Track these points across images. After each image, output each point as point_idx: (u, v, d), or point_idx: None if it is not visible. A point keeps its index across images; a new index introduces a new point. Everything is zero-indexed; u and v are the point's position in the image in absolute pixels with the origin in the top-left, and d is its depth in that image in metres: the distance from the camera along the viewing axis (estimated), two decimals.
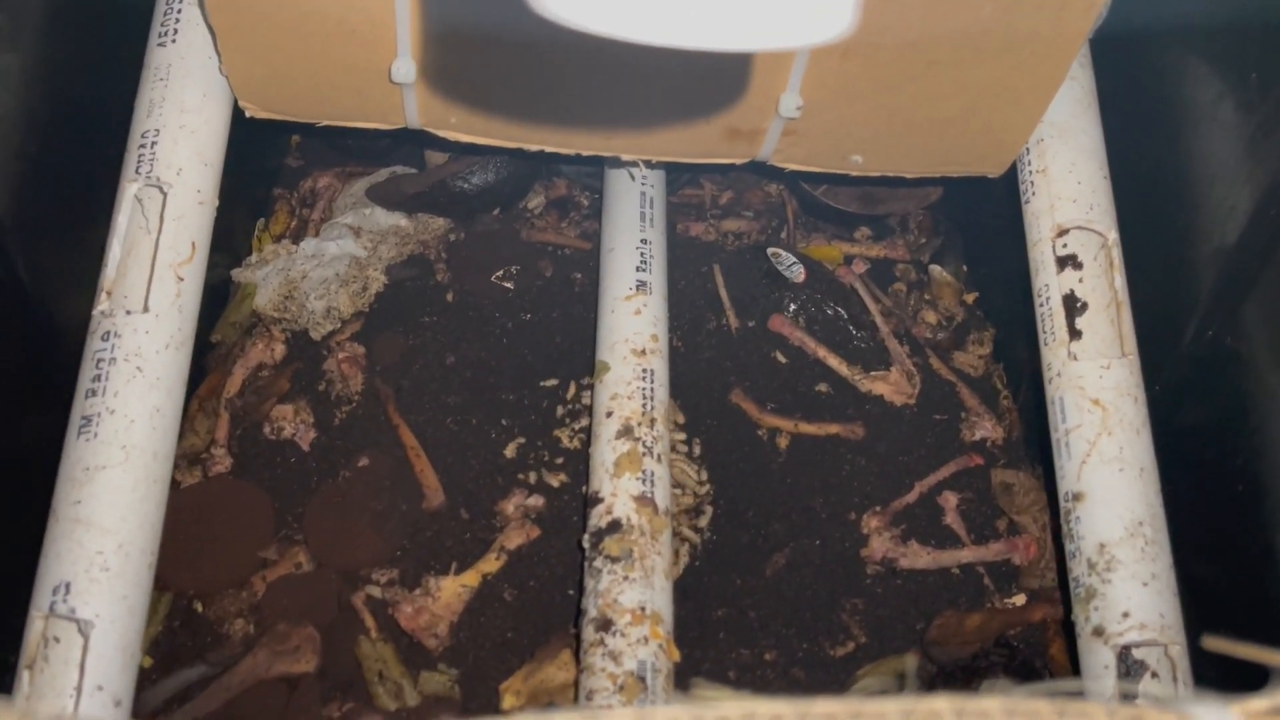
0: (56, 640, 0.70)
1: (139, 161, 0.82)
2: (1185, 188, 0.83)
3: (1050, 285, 0.85)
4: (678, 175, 1.17)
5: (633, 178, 1.01)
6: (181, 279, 0.80)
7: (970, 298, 1.13)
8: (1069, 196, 0.86)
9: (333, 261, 1.06)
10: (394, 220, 1.11)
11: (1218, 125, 0.80)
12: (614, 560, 0.82)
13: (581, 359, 1.03)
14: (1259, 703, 0.32)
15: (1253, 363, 0.78)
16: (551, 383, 1.03)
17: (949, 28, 0.79)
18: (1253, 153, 0.75)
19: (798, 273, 1.09)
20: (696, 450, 1.00)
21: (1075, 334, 0.84)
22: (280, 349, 1.03)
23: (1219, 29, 0.81)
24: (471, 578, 0.91)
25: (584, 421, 0.99)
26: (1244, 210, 0.76)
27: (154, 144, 0.82)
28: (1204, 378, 0.82)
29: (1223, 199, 0.78)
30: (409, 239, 1.09)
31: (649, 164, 0.97)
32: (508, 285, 1.06)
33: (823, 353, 1.05)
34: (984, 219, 1.14)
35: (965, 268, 1.16)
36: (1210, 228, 0.80)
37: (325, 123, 0.88)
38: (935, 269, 1.14)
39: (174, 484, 0.93)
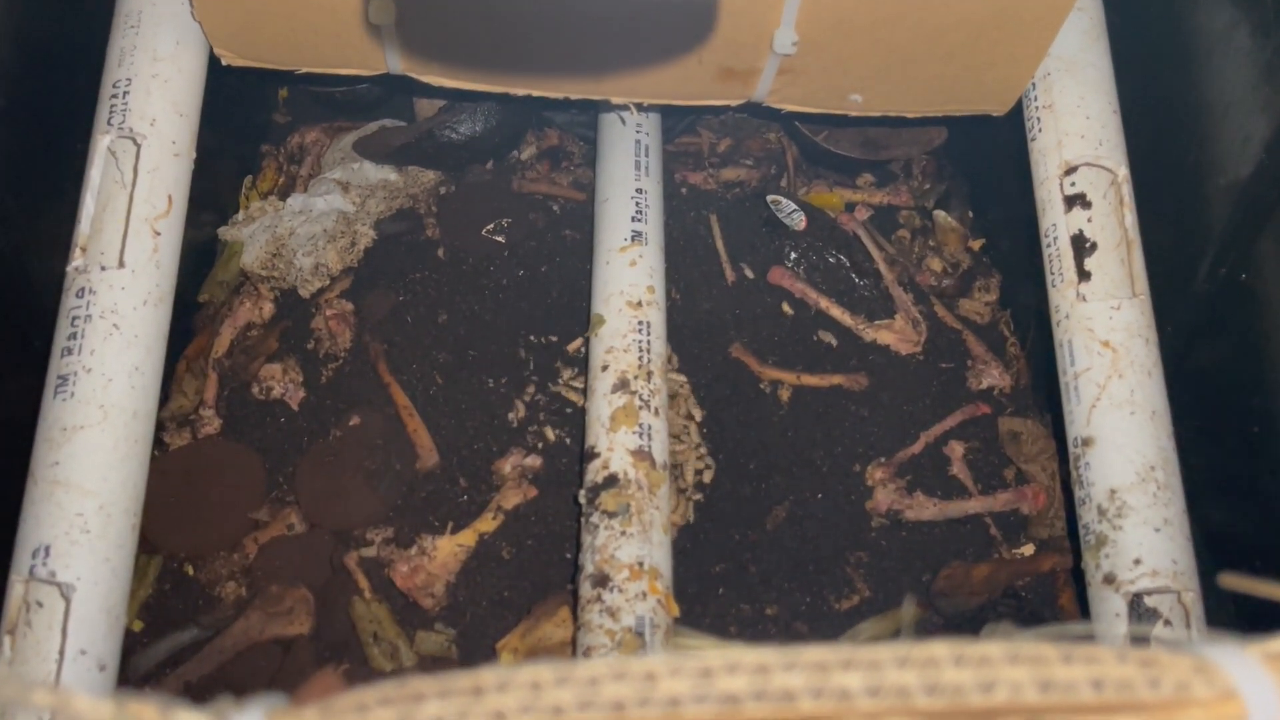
0: (38, 605, 0.69)
1: (111, 112, 0.79)
2: (1198, 120, 0.80)
3: (1058, 225, 0.82)
4: (674, 123, 1.14)
5: (624, 123, 0.98)
6: (158, 233, 0.78)
7: (976, 244, 1.09)
8: (1077, 132, 0.83)
9: (320, 217, 1.03)
10: (383, 174, 1.08)
11: (1232, 53, 0.76)
12: (611, 515, 0.80)
13: (577, 313, 1.00)
14: (1277, 644, 0.30)
15: (1268, 300, 0.75)
16: (547, 338, 1.00)
17: None
18: (1269, 79, 0.71)
19: (798, 220, 1.06)
20: (695, 404, 0.98)
21: (1084, 275, 0.81)
22: (268, 307, 1.00)
23: None
24: (468, 537, 0.89)
25: (581, 377, 0.97)
26: (1260, 140, 0.72)
27: (126, 94, 0.79)
28: (1218, 317, 0.79)
29: (1237, 130, 0.75)
30: (398, 193, 1.07)
31: (640, 107, 0.94)
32: (499, 239, 1.04)
33: (825, 304, 1.03)
34: (990, 163, 1.10)
35: (971, 213, 1.12)
36: (1224, 161, 0.77)
37: (305, 70, 0.85)
38: (940, 215, 1.10)
39: (163, 446, 0.92)
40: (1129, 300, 0.79)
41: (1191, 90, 0.81)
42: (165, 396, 0.92)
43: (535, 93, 0.87)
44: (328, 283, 1.00)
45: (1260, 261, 0.75)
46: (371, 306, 0.99)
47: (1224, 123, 0.77)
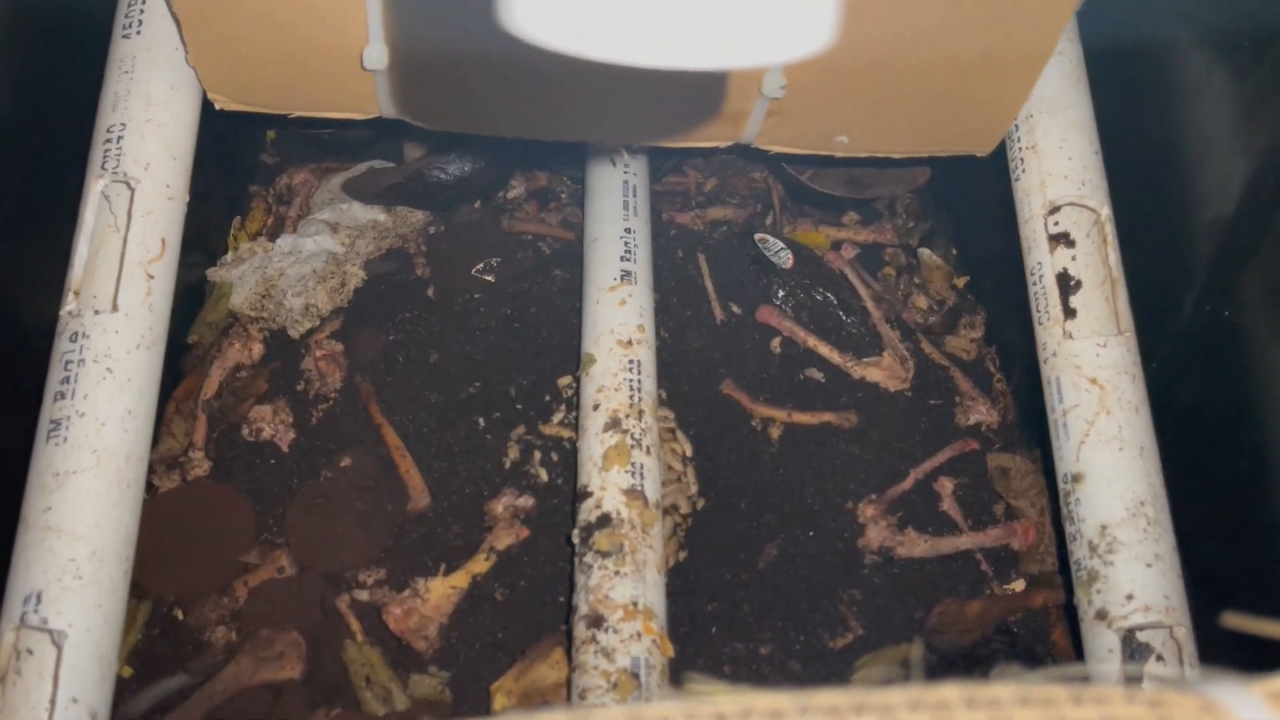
0: (29, 652, 0.68)
1: (105, 157, 0.79)
2: (1179, 159, 0.82)
3: (1043, 264, 0.84)
4: (661, 163, 1.15)
5: (613, 164, 0.99)
6: (152, 277, 0.78)
7: (961, 281, 1.11)
8: (1060, 172, 0.85)
9: (310, 258, 1.04)
10: (372, 214, 1.08)
11: (1211, 94, 0.78)
12: (604, 555, 0.80)
13: (567, 352, 1.01)
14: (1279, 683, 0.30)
15: (1253, 336, 0.76)
16: (538, 377, 1.00)
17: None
18: (1248, 120, 0.73)
19: (785, 258, 1.07)
20: (686, 442, 0.98)
21: (1070, 312, 0.82)
22: (258, 349, 1.00)
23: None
24: (461, 578, 0.89)
25: (572, 416, 0.97)
26: (1240, 179, 0.74)
27: (120, 138, 0.79)
28: (1203, 353, 0.81)
29: (1218, 169, 0.77)
30: (387, 233, 1.07)
31: (630, 149, 0.95)
32: (489, 278, 1.04)
33: (813, 341, 1.03)
34: (973, 201, 1.12)
35: (955, 251, 1.14)
36: (1205, 199, 0.78)
37: (298, 113, 0.86)
38: (924, 253, 1.12)
39: (152, 488, 0.91)
40: (1115, 337, 0.80)
41: (1172, 131, 0.82)
42: (155, 439, 0.91)
43: (526, 135, 0.88)
44: (318, 323, 1.00)
45: (1243, 299, 0.76)
46: (362, 347, 0.99)
47: (1205, 163, 0.78)
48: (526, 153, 1.12)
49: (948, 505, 0.95)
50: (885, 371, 1.02)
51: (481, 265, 1.05)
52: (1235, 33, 0.75)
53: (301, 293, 1.00)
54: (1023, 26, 0.79)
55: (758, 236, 1.09)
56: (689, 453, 0.97)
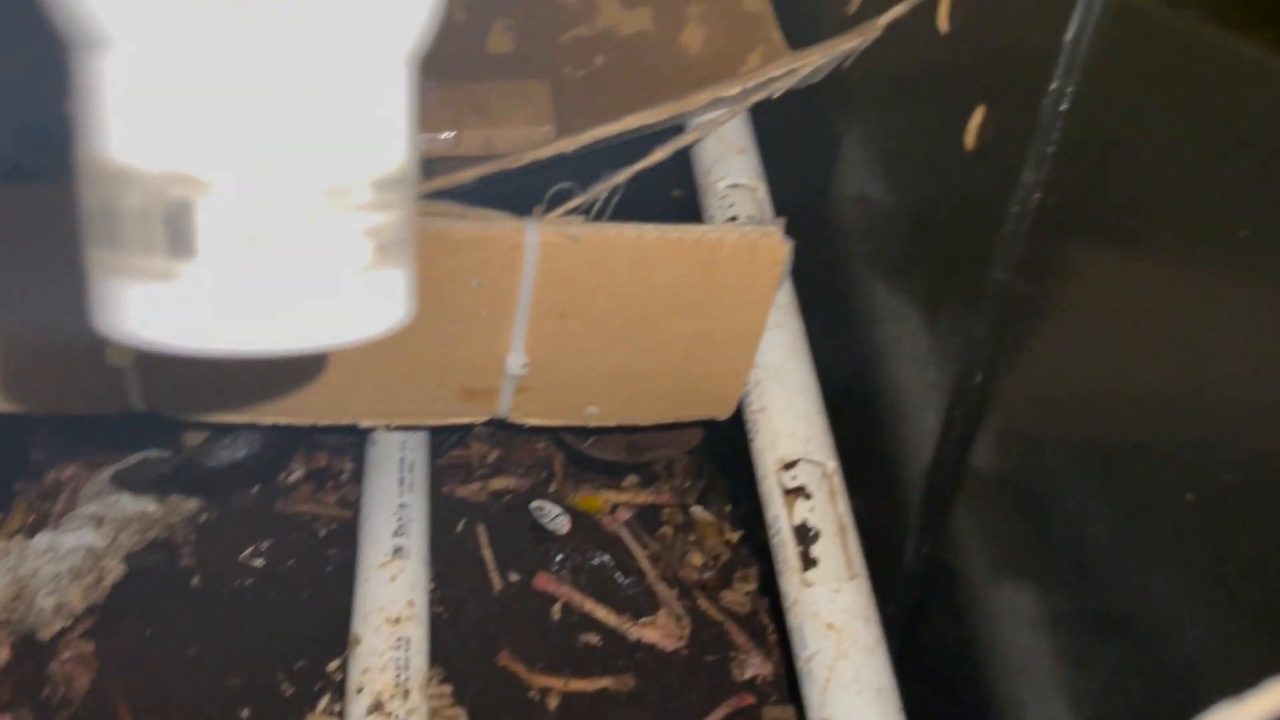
0: None
1: None
2: (888, 416, 0.90)
3: (780, 517, 0.89)
4: (444, 438, 1.18)
5: (373, 443, 1.02)
6: None
7: (734, 536, 1.15)
8: (788, 432, 0.91)
9: (68, 554, 1.01)
10: (141, 506, 1.07)
11: (904, 357, 0.87)
12: None
13: (340, 635, 0.99)
14: None
15: (966, 577, 0.82)
16: (307, 664, 0.98)
17: (654, 284, 0.86)
18: (929, 379, 0.82)
19: (562, 525, 1.10)
20: (465, 718, 0.96)
21: (807, 562, 0.86)
22: (4, 653, 0.95)
23: (902, 271, 0.90)
24: None
25: (339, 703, 0.94)
26: (931, 434, 0.82)
27: None
28: (929, 594, 0.86)
29: (915, 424, 0.84)
30: (154, 523, 1.05)
31: (388, 428, 0.98)
32: (259, 563, 1.03)
33: (589, 605, 1.05)
34: (743, 458, 1.18)
35: (729, 507, 1.19)
36: (910, 452, 0.86)
37: (43, 413, 0.86)
38: (697, 510, 1.16)
39: None
40: (848, 583, 0.85)
41: (880, 390, 0.91)
42: None
43: (283, 421, 0.91)
44: (70, 623, 0.96)
45: (954, 542, 0.82)
46: (115, 646, 0.95)
47: (905, 418, 0.86)
48: (307, 432, 1.14)
49: None
50: (661, 630, 1.04)
51: (251, 550, 1.04)
52: (924, 301, 0.85)
53: (54, 592, 0.97)
54: (736, 304, 0.87)
55: (534, 505, 1.12)
56: None
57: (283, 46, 0.33)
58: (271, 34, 0.32)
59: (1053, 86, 0.68)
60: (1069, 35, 0.67)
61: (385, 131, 0.36)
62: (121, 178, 0.34)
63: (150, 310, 0.35)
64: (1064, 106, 0.68)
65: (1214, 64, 0.56)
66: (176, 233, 0.34)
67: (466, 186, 0.92)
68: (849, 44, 0.87)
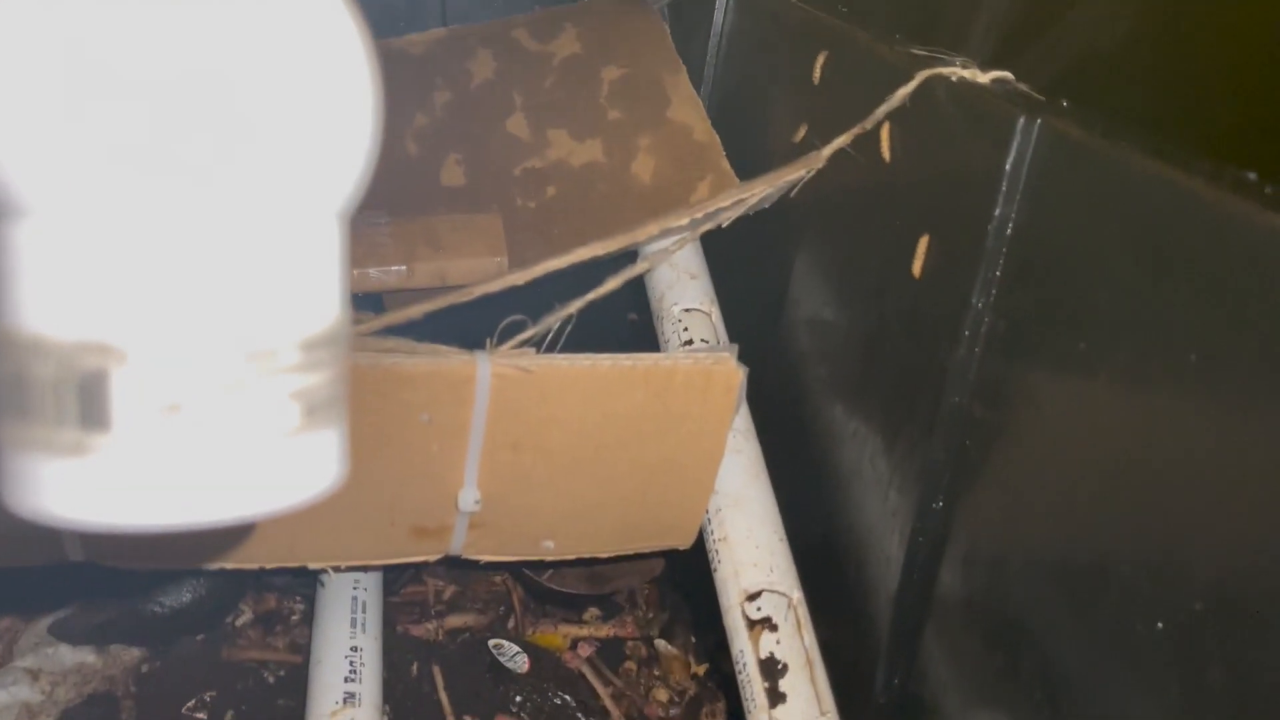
0: None
1: None
2: (850, 543, 0.88)
3: (745, 651, 0.86)
4: (398, 574, 1.15)
5: (323, 584, 0.99)
6: None
7: (700, 669, 1.12)
8: (750, 561, 0.89)
9: (1, 713, 0.95)
10: (80, 657, 1.02)
11: (864, 481, 0.86)
12: None
13: None
14: None
15: (940, 710, 0.79)
16: None
17: (608, 413, 0.84)
18: (890, 504, 0.80)
19: (522, 663, 1.06)
20: None
21: (775, 698, 0.83)
22: None
23: (858, 395, 0.89)
24: None
25: None
26: (896, 561, 0.80)
27: None
28: None
29: (879, 551, 0.83)
30: (94, 675, 1.00)
31: (338, 569, 0.95)
32: (201, 716, 0.98)
33: None
34: (707, 588, 1.15)
35: (694, 639, 1.16)
36: (876, 580, 0.84)
37: None
38: (661, 644, 1.13)
39: None
40: (819, 718, 0.82)
41: (841, 514, 0.90)
42: None
43: (229, 566, 0.87)
44: None
45: (924, 672, 0.80)
46: None
47: (869, 544, 0.85)
48: (255, 572, 1.10)
49: None
50: None
51: (194, 702, 0.99)
52: (886, 429, 0.84)
53: None
54: (692, 431, 0.86)
55: (492, 643, 1.08)
56: None
57: (204, 211, 0.32)
58: (193, 199, 0.32)
59: (997, 212, 0.69)
60: (1009, 163, 0.68)
61: (314, 290, 0.35)
62: (33, 347, 0.32)
63: (62, 486, 0.33)
64: (1008, 232, 0.69)
65: (1150, 193, 0.57)
66: (90, 404, 0.32)
67: (417, 320, 0.91)
68: (795, 174, 0.88)
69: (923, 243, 0.74)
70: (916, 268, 0.75)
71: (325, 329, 0.36)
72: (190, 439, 0.33)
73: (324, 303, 0.36)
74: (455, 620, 1.14)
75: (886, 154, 0.81)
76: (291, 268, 0.34)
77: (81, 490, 0.33)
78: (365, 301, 1.08)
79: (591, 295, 0.90)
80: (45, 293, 0.32)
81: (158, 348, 0.32)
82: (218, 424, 0.33)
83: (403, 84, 1.20)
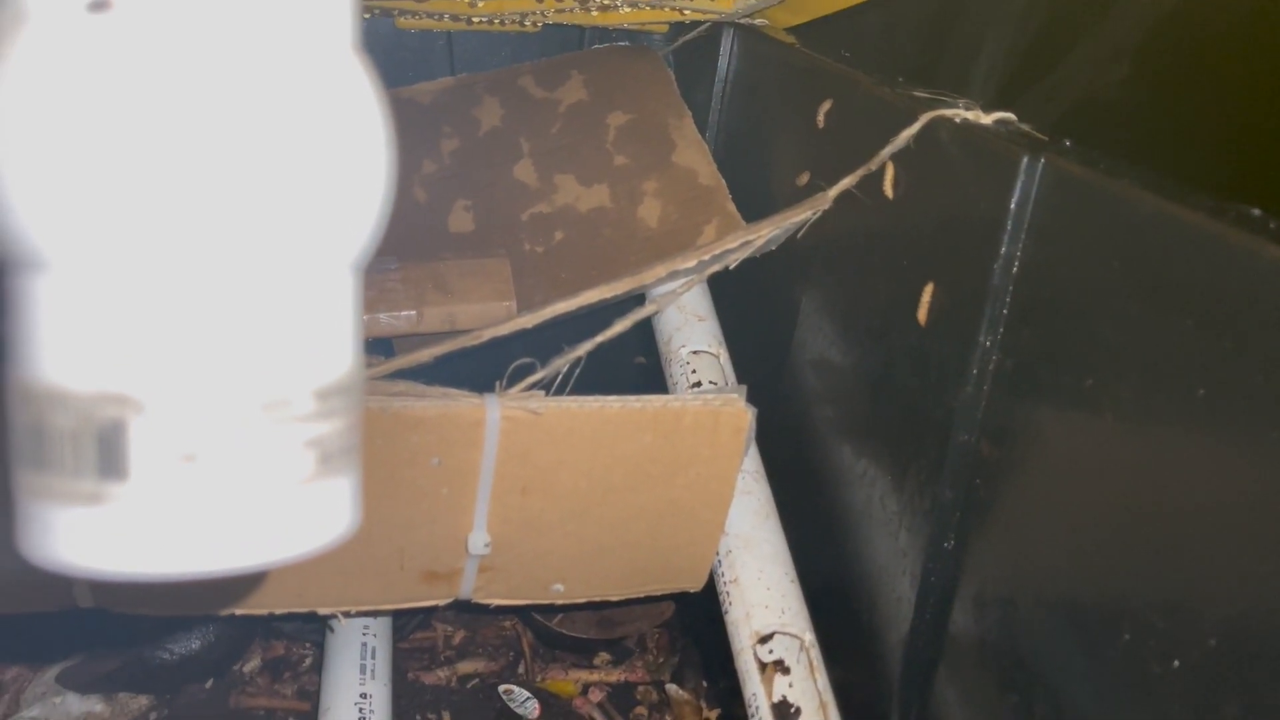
0: None
1: None
2: (863, 580, 0.88)
3: (758, 694, 0.85)
4: (407, 620, 1.14)
5: (332, 629, 0.98)
6: None
7: (712, 714, 1.11)
8: (761, 603, 0.89)
9: None
10: (88, 706, 1.02)
11: (873, 522, 0.86)
12: None
13: None
14: None
15: None
16: None
17: (617, 456, 0.85)
18: (901, 544, 0.80)
19: (532, 709, 1.06)
20: None
21: None
22: None
23: (866, 435, 0.89)
24: None
25: None
26: (908, 601, 0.79)
27: None
28: None
29: (890, 591, 0.82)
30: None
31: (348, 614, 0.95)
32: None
33: None
34: (718, 631, 1.15)
35: (705, 683, 1.15)
36: (888, 620, 0.83)
37: None
38: (672, 688, 1.12)
39: None
40: None
41: (852, 555, 0.89)
42: None
43: (239, 611, 0.87)
44: None
45: (937, 714, 0.79)
46: None
47: (880, 585, 0.84)
48: (264, 619, 1.10)
49: None
50: None
51: None
52: (893, 468, 0.84)
53: None
54: (701, 473, 0.86)
55: (502, 689, 1.07)
56: None
57: (222, 265, 0.32)
58: (211, 254, 0.32)
59: (1002, 251, 0.69)
60: (1013, 201, 0.69)
61: (328, 340, 0.36)
62: (52, 398, 0.33)
63: (79, 536, 0.33)
64: (1014, 270, 0.69)
65: (1153, 229, 0.57)
66: (108, 454, 0.32)
67: (427, 364, 0.91)
68: (800, 215, 0.89)
69: (927, 290, 0.75)
70: (922, 315, 0.75)
71: (339, 378, 0.36)
72: (206, 488, 0.33)
73: (338, 352, 0.36)
74: (465, 667, 1.14)
75: (890, 194, 0.82)
76: (306, 319, 0.35)
77: (98, 539, 0.34)
78: (375, 346, 1.09)
79: (600, 338, 0.91)
80: (64, 345, 0.33)
81: (175, 398, 0.32)
82: (233, 473, 0.33)
83: (412, 132, 1.22)
